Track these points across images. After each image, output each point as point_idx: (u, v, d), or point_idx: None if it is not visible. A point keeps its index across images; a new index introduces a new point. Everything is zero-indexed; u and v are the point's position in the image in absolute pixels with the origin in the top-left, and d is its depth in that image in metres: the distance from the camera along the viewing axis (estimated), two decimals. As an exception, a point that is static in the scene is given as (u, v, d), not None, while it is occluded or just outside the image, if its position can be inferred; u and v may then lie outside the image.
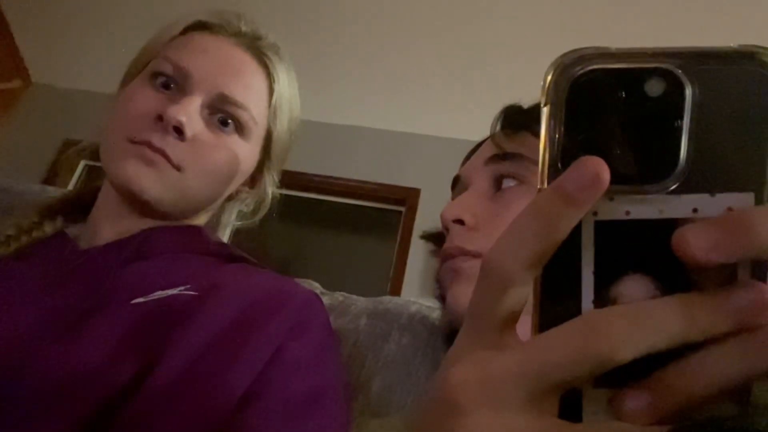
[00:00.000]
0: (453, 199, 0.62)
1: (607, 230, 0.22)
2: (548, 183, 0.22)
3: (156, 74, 0.65)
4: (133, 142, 0.61)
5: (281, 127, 0.71)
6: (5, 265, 0.61)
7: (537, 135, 0.23)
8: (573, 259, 0.22)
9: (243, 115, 0.66)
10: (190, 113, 0.61)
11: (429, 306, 0.77)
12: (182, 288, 0.56)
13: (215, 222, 0.75)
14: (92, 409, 0.47)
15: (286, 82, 0.72)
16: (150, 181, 0.61)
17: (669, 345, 0.20)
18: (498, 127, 0.62)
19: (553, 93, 0.22)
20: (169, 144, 0.61)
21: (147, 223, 0.65)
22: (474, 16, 2.31)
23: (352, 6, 2.40)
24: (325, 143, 2.91)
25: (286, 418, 0.51)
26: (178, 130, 0.61)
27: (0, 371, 0.48)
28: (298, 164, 2.71)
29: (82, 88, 3.05)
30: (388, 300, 0.79)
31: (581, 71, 0.22)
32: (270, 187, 0.76)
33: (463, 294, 0.53)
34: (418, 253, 2.66)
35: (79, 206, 0.72)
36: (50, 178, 2.90)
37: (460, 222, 0.55)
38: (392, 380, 0.67)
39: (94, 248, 0.63)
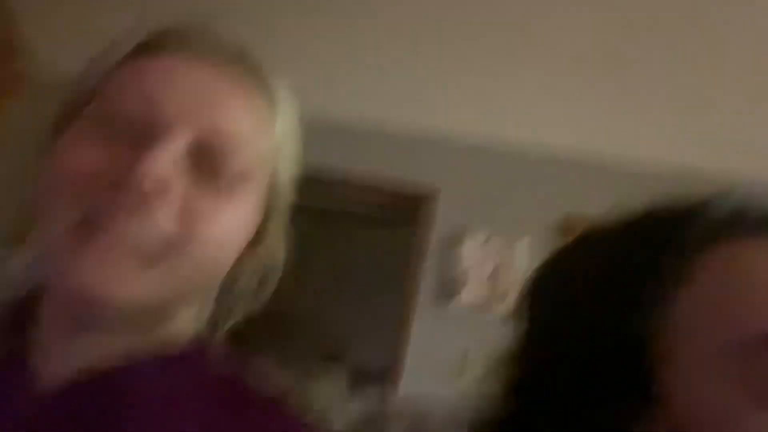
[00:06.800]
0: None
1: None
2: None
3: (97, 120, 0.44)
4: (81, 224, 0.40)
5: (284, 164, 0.53)
6: None
7: None
8: None
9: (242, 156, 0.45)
10: (171, 164, 0.40)
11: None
12: None
13: (210, 316, 0.53)
14: None
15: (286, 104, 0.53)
16: (117, 282, 0.39)
17: None
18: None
19: None
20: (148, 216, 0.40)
21: (114, 342, 0.44)
22: (505, 19, 2.20)
23: (382, 6, 2.30)
24: (343, 141, 2.84)
25: None
26: (161, 190, 0.40)
27: None
28: (315, 161, 2.65)
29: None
30: None
31: None
32: (279, 241, 0.55)
33: None
34: (436, 251, 2.59)
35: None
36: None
37: None
38: None
39: (49, 394, 0.44)
